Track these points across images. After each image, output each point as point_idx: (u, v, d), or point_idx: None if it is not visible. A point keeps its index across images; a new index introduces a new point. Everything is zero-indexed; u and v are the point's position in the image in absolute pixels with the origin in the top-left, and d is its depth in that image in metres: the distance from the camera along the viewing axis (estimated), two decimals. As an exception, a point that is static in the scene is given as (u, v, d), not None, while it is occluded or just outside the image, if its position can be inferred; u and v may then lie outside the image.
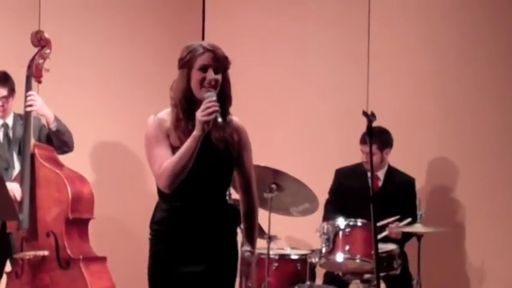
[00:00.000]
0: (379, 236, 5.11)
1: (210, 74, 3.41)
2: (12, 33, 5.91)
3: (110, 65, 6.35)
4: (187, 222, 3.47)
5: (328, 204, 5.77)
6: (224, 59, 3.46)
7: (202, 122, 3.34)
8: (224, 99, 3.45)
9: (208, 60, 3.42)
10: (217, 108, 3.34)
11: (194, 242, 3.47)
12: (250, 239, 3.64)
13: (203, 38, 6.72)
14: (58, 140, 5.17)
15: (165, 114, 3.48)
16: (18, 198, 4.96)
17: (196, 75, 3.42)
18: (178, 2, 6.78)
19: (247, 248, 3.63)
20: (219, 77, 3.43)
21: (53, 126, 5.15)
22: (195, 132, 3.35)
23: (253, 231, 3.65)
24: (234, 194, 3.91)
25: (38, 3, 6.06)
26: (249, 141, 3.60)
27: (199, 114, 3.34)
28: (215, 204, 3.51)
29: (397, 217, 5.44)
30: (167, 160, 3.38)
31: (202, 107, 3.35)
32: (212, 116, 3.33)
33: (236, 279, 3.60)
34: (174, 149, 3.42)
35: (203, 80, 3.41)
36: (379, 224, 5.29)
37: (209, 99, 3.35)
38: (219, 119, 3.35)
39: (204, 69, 3.41)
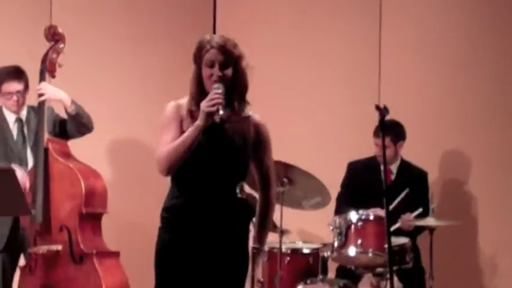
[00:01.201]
0: (391, 229, 5.06)
1: (216, 70, 3.49)
2: (24, 29, 5.97)
3: (122, 63, 6.41)
4: (196, 212, 3.51)
5: (340, 198, 5.80)
6: (231, 53, 3.52)
7: (204, 113, 3.42)
8: (234, 91, 3.52)
9: (214, 56, 3.50)
10: (220, 100, 3.42)
11: (201, 233, 3.52)
12: (260, 237, 3.69)
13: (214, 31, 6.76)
14: (78, 123, 5.21)
15: (185, 100, 3.57)
16: (27, 186, 5.00)
17: (205, 71, 3.51)
18: (189, 1, 6.84)
19: (254, 245, 3.67)
20: (226, 72, 3.50)
21: (72, 110, 5.18)
22: (198, 122, 3.44)
23: (265, 229, 3.70)
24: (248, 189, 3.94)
25: (49, 1, 6.14)
26: (269, 138, 3.65)
27: (203, 105, 3.44)
28: (225, 197, 3.55)
29: (420, 210, 5.46)
30: None
31: (207, 98, 3.45)
32: (214, 108, 3.41)
33: (246, 274, 3.64)
34: None
35: (211, 75, 3.50)
36: (391, 207, 5.31)
37: (215, 91, 3.44)
38: (221, 112, 3.42)
39: (211, 65, 3.50)
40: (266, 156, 3.65)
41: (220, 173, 3.53)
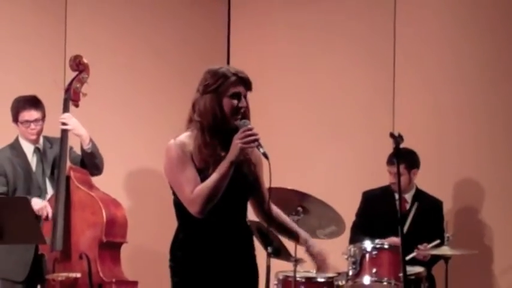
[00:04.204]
0: (407, 258, 5.20)
1: (243, 102, 3.55)
2: (36, 59, 6.18)
3: (141, 89, 6.60)
4: (212, 246, 3.55)
5: (355, 227, 5.89)
6: (251, 85, 3.59)
7: (240, 149, 3.46)
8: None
9: (242, 88, 3.55)
10: (258, 137, 3.48)
11: (219, 266, 3.56)
12: (299, 236, 3.79)
13: (228, 61, 6.94)
14: (90, 162, 5.36)
15: (186, 137, 3.56)
16: (50, 214, 5.13)
17: (228, 103, 3.53)
18: (204, 26, 7.02)
19: (305, 244, 3.76)
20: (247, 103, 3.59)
21: (88, 147, 5.35)
22: (231, 158, 3.46)
23: (294, 227, 3.80)
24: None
25: (64, 29, 6.34)
26: (262, 162, 3.68)
27: (239, 141, 3.46)
28: (238, 226, 3.63)
29: (437, 241, 5.54)
30: (197, 184, 3.47)
31: (241, 134, 3.48)
32: (253, 145, 3.47)
33: None
34: (199, 171, 3.51)
35: (237, 108, 3.53)
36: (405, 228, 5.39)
37: (248, 127, 3.49)
38: (261, 150, 3.48)
39: (237, 97, 3.54)
40: (262, 179, 3.72)
41: (235, 204, 3.60)
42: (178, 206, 3.59)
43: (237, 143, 3.48)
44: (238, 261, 3.62)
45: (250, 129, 3.49)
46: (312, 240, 3.83)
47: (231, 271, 3.59)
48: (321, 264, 3.79)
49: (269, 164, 3.51)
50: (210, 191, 3.47)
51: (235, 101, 3.55)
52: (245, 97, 3.57)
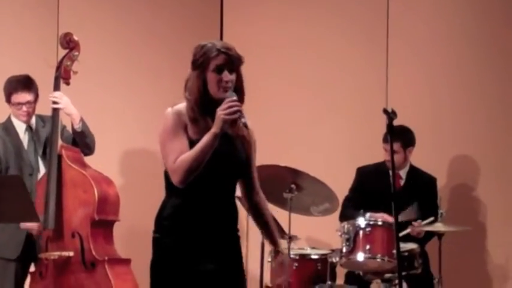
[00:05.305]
0: (400, 235, 5.23)
1: (226, 76, 3.57)
2: (28, 37, 6.18)
3: (134, 68, 6.60)
4: (199, 218, 3.58)
5: (347, 201, 5.90)
6: (238, 59, 3.60)
7: (223, 120, 3.50)
8: (238, 96, 3.58)
9: (223, 61, 3.57)
10: (240, 108, 3.52)
11: (204, 239, 3.59)
12: (274, 238, 3.81)
13: (221, 39, 6.91)
14: (81, 142, 5.37)
15: (183, 107, 3.61)
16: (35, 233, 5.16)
17: (212, 77, 3.57)
18: (197, 3, 7.02)
19: (276, 248, 3.80)
20: (233, 77, 3.59)
21: (78, 127, 5.35)
22: (214, 130, 3.50)
23: (273, 230, 3.81)
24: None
25: (56, 7, 6.32)
26: (255, 142, 3.74)
27: (221, 113, 3.50)
28: (226, 202, 3.64)
29: (431, 219, 5.56)
30: (182, 154, 3.51)
31: (224, 105, 3.51)
32: (235, 116, 3.50)
33: (246, 277, 3.74)
34: (192, 142, 3.55)
35: (219, 81, 3.56)
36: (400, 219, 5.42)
37: (231, 99, 3.52)
38: (243, 120, 3.53)
39: (219, 70, 3.57)
40: (254, 162, 3.76)
41: (225, 178, 3.63)
42: (167, 176, 3.63)
43: (219, 114, 3.52)
44: (220, 235, 3.63)
45: (233, 101, 3.52)
46: (284, 250, 3.86)
47: (212, 244, 3.61)
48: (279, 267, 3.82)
49: (249, 134, 3.62)
50: (191, 161, 3.50)
51: (218, 75, 3.58)
52: (231, 71, 3.58)
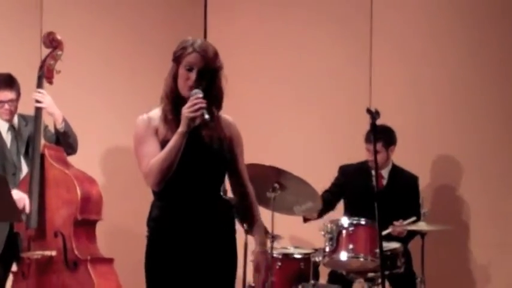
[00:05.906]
0: (382, 234, 5.19)
1: (193, 75, 3.56)
2: (12, 37, 6.16)
3: (117, 68, 6.62)
4: (182, 219, 3.60)
5: (324, 192, 5.92)
6: (212, 62, 3.58)
7: (188, 118, 3.50)
8: (211, 100, 3.58)
9: (194, 60, 3.56)
10: (204, 104, 3.49)
11: (190, 239, 3.61)
12: (262, 238, 3.79)
13: (205, 35, 6.95)
14: (64, 142, 5.38)
15: (154, 113, 3.64)
16: (27, 210, 5.14)
17: (182, 73, 3.58)
18: (181, 4, 7.04)
19: (259, 249, 3.76)
20: (203, 79, 3.55)
21: (61, 127, 5.37)
22: (180, 129, 3.51)
23: (260, 229, 3.80)
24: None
25: (39, 6, 6.31)
26: (240, 137, 3.74)
27: (185, 111, 3.51)
28: (209, 201, 3.64)
29: (413, 219, 5.59)
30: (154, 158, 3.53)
31: (189, 103, 3.52)
32: (198, 113, 3.49)
33: (235, 275, 3.74)
34: (164, 143, 3.56)
35: (187, 79, 3.57)
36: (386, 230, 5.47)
37: (196, 96, 3.52)
38: (206, 116, 3.51)
39: (189, 68, 3.57)
40: (239, 156, 3.75)
41: (202, 177, 3.62)
42: None
43: (184, 112, 3.53)
44: (209, 233, 3.64)
45: (197, 98, 3.53)
46: (265, 251, 3.82)
47: (201, 242, 3.63)
48: (256, 268, 3.79)
49: (230, 130, 3.64)
50: (161, 162, 3.52)
51: (186, 72, 3.59)
52: (201, 72, 3.56)
